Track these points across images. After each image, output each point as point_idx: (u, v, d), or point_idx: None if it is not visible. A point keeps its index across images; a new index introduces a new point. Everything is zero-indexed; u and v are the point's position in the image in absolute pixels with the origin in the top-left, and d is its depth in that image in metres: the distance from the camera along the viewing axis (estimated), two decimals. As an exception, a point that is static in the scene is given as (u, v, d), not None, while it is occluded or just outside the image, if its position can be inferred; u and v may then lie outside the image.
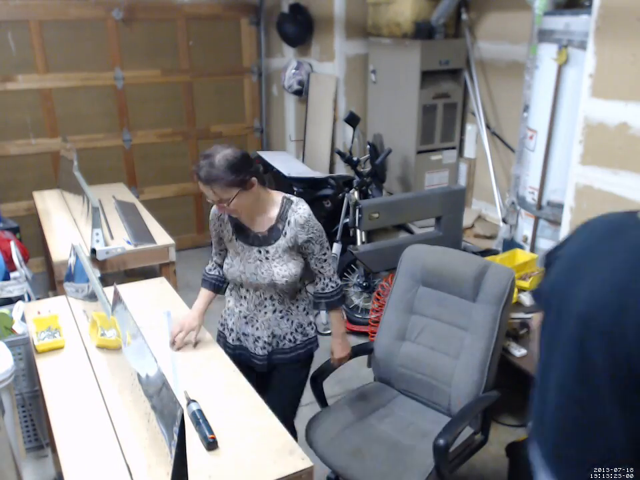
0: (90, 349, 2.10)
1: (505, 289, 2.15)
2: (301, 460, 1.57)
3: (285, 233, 1.99)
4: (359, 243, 3.57)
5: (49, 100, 4.53)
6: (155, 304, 2.43)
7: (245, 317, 2.12)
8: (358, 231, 3.56)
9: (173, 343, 2.09)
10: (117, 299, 1.90)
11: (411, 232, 3.82)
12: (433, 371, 2.27)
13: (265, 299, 2.07)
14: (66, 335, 2.17)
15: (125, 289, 2.49)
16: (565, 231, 2.77)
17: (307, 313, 2.15)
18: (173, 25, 4.77)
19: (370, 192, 3.80)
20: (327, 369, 2.32)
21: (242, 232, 2.06)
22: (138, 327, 1.68)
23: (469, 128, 4.07)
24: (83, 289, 2.35)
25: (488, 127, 3.87)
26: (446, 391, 2.22)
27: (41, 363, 2.02)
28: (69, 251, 2.54)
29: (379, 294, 3.17)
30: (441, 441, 1.90)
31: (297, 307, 2.12)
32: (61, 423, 1.72)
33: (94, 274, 2.24)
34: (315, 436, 2.15)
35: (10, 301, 2.94)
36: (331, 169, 4.54)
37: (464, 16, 3.89)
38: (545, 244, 3.08)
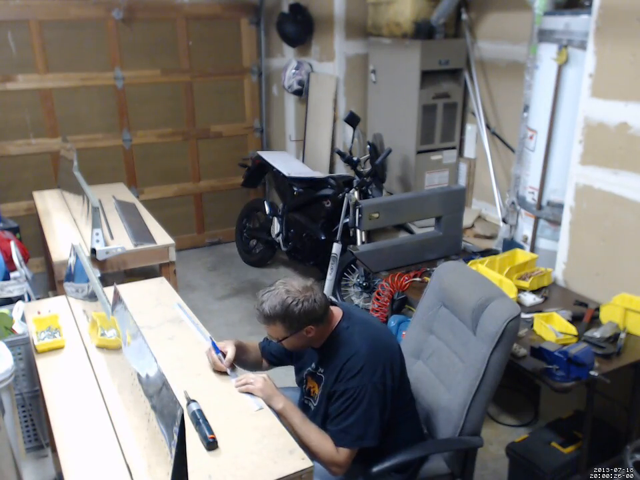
0: (90, 348, 2.10)
1: (498, 329, 1.83)
2: (301, 460, 1.57)
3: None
4: (358, 242, 3.57)
5: (49, 100, 4.53)
6: (155, 304, 2.43)
7: None
8: (358, 231, 3.56)
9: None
10: (117, 298, 1.90)
11: (411, 232, 3.81)
12: (431, 397, 2.12)
13: None
14: (66, 334, 2.17)
15: (125, 289, 2.49)
16: (565, 231, 2.77)
17: None
18: (172, 24, 4.77)
19: (370, 192, 3.79)
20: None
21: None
22: (138, 327, 1.68)
23: (469, 128, 4.07)
24: (83, 289, 2.35)
25: (488, 127, 3.87)
26: (433, 422, 2.08)
27: (41, 363, 2.02)
28: (69, 250, 2.54)
29: (379, 294, 3.17)
30: (373, 469, 1.81)
31: None
32: (61, 423, 1.72)
33: (94, 274, 2.24)
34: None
35: (10, 301, 2.94)
36: (331, 169, 4.54)
37: (464, 16, 3.89)
38: (545, 244, 3.08)
